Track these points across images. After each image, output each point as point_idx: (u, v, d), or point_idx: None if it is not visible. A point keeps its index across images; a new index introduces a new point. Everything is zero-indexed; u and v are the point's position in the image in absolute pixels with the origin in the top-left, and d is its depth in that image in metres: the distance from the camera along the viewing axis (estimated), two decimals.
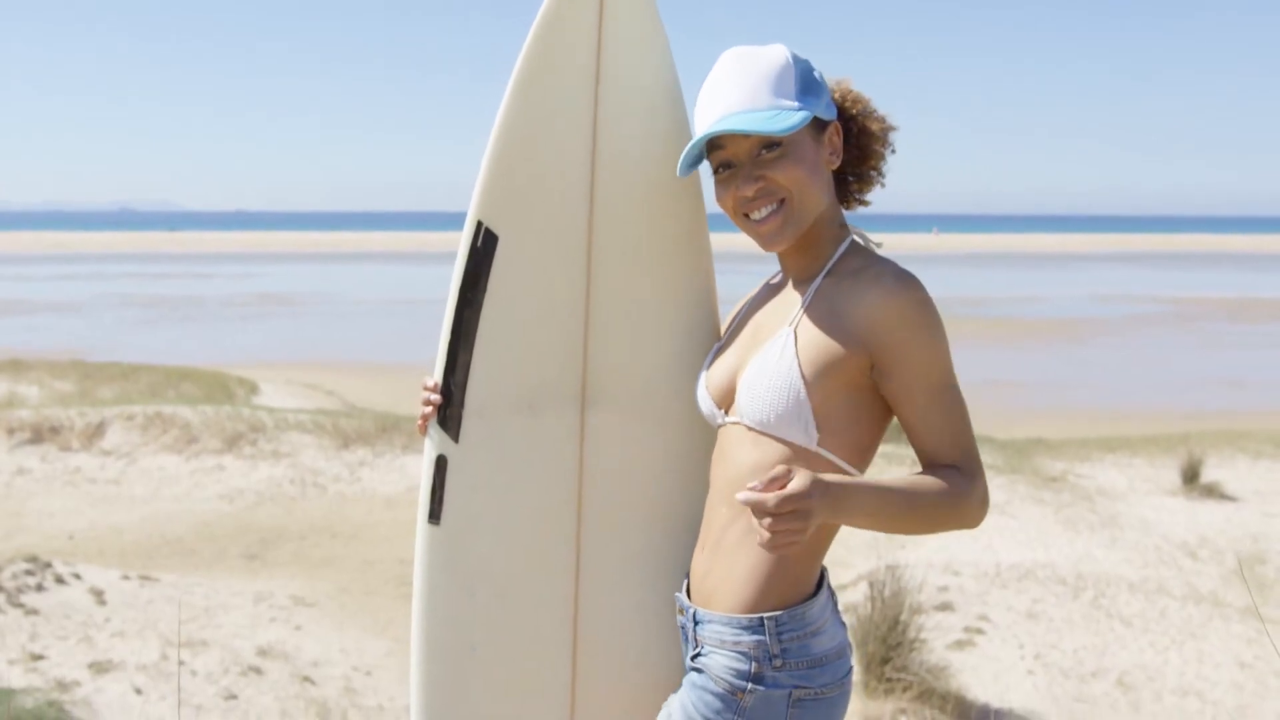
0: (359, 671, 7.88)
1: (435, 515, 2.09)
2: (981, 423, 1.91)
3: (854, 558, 9.69)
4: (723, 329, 2.14)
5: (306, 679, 7.64)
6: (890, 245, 1.94)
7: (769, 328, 1.93)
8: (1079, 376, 22.97)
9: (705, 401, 2.00)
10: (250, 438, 14.20)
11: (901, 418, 1.83)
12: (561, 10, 2.02)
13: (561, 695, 2.14)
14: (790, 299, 1.93)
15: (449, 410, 2.08)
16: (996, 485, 11.46)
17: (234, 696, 7.26)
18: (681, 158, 1.92)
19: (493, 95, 2.09)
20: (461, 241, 2.06)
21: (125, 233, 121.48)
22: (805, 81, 1.88)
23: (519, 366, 2.09)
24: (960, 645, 8.02)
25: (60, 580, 8.77)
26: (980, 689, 7.47)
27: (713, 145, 1.90)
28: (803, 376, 1.82)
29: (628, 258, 2.10)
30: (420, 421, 2.10)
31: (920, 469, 1.83)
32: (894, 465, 11.89)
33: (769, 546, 1.66)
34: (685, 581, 2.00)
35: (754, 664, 1.83)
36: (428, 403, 2.09)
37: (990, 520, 10.39)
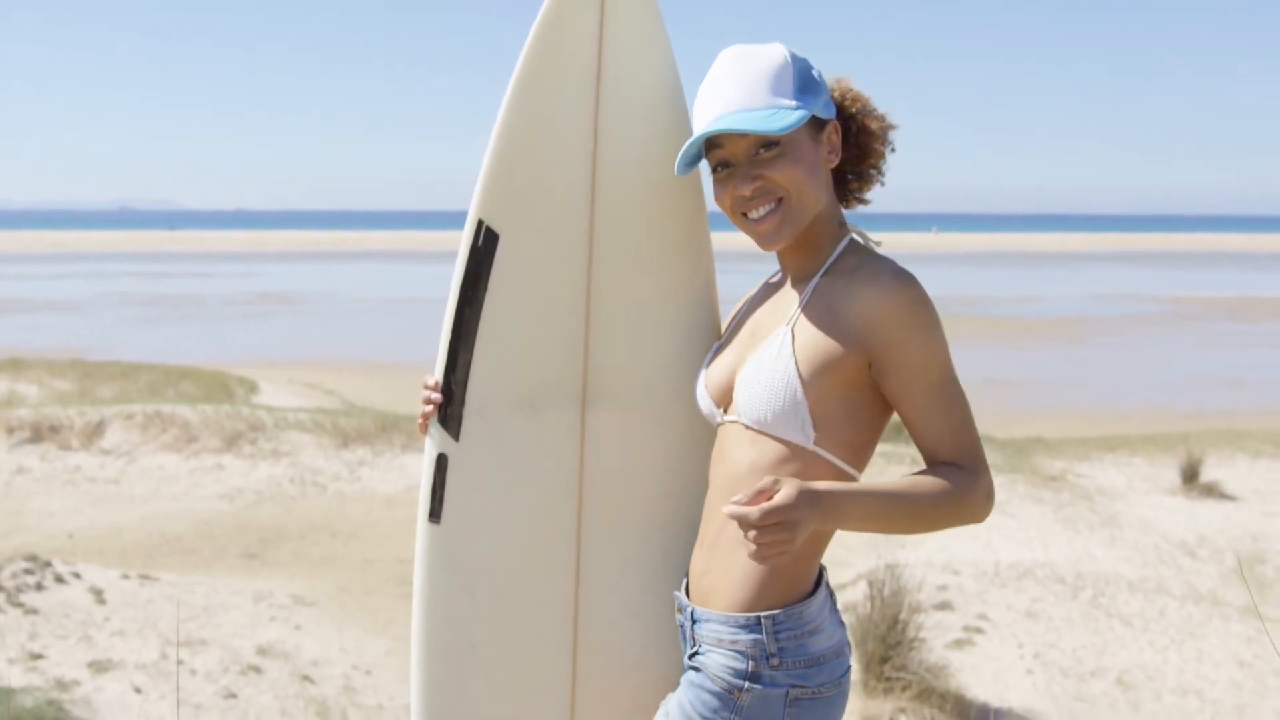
0: (358, 670, 7.88)
1: (435, 514, 2.09)
2: (981, 422, 1.92)
3: (853, 557, 9.69)
4: (723, 328, 2.14)
5: (306, 678, 7.65)
6: (889, 244, 1.94)
7: (767, 327, 1.93)
8: (1078, 376, 22.98)
9: (704, 400, 2.00)
10: (250, 437, 14.20)
11: (902, 416, 1.83)
12: (563, 9, 2.02)
13: (561, 694, 2.14)
14: (788, 298, 1.93)
15: (450, 409, 2.08)
16: (996, 484, 11.41)
17: (233, 695, 7.26)
18: (679, 157, 1.92)
19: (493, 94, 2.09)
20: (462, 240, 2.06)
21: (125, 231, 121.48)
22: (803, 80, 1.88)
23: (520, 365, 2.09)
24: (959, 644, 8.02)
25: (60, 579, 8.77)
26: (979, 688, 7.47)
27: (711, 144, 1.90)
28: (799, 375, 1.82)
29: (628, 257, 2.10)
30: (421, 420, 2.10)
31: (923, 466, 1.84)
32: (893, 465, 11.89)
33: (756, 558, 1.68)
34: (684, 580, 2.00)
35: (751, 663, 1.83)
36: (428, 401, 2.09)
37: (989, 519, 10.31)
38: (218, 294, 41.45)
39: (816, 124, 1.89)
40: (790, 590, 1.85)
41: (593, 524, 2.12)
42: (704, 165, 1.98)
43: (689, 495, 2.09)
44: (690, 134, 2.02)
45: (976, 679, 7.57)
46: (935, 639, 7.79)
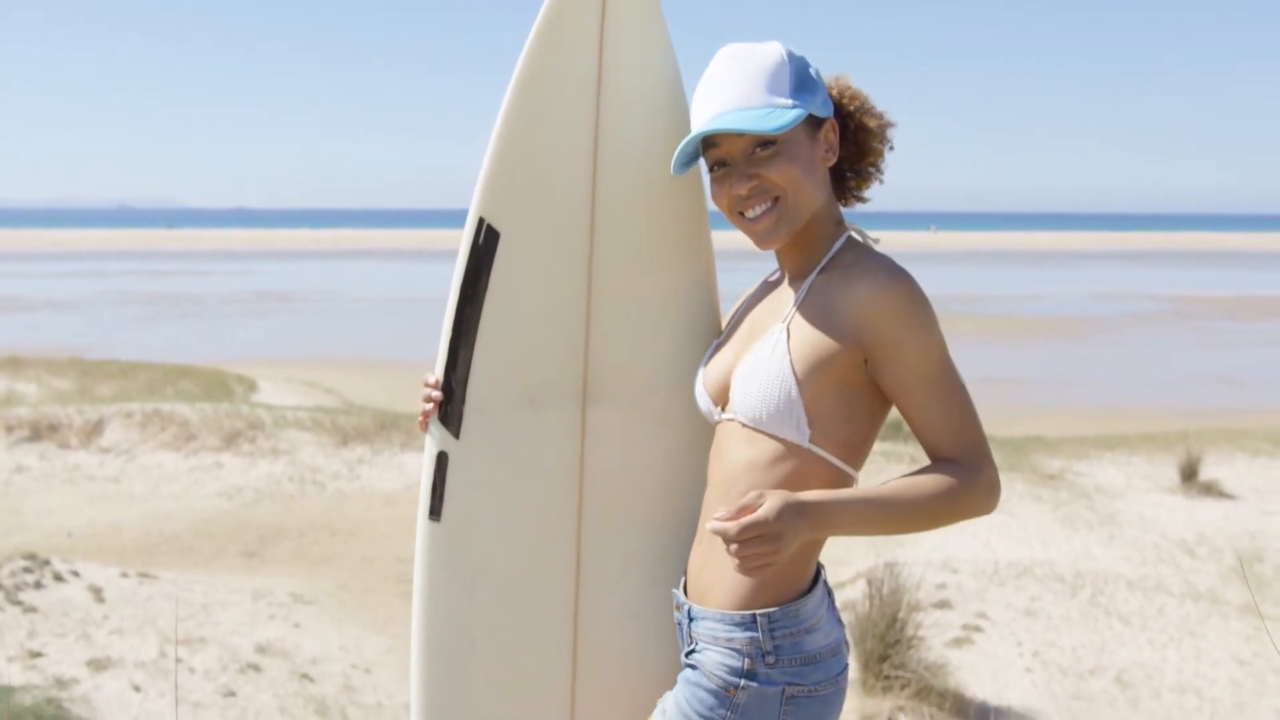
0: (358, 669, 7.88)
1: (436, 512, 2.09)
2: (980, 420, 1.92)
3: (852, 555, 9.69)
4: (723, 326, 2.14)
5: (305, 676, 7.65)
6: (888, 243, 1.94)
7: (763, 324, 1.94)
8: (1077, 374, 22.99)
9: (702, 398, 2.00)
10: (249, 435, 14.20)
11: (902, 413, 1.84)
12: (564, 8, 2.02)
13: (561, 692, 2.14)
14: (785, 296, 1.94)
15: (450, 407, 2.08)
16: None
17: (232, 694, 7.26)
18: (675, 155, 1.93)
19: (494, 92, 2.10)
20: (463, 238, 2.06)
21: (124, 230, 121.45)
22: (800, 79, 1.88)
23: (520, 363, 2.09)
24: (958, 643, 8.03)
25: (59, 578, 8.77)
26: (978, 686, 7.48)
27: (708, 143, 1.91)
28: (794, 373, 1.82)
29: (629, 255, 2.10)
30: (421, 418, 2.11)
31: (928, 462, 1.84)
32: (892, 463, 11.90)
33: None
34: (683, 578, 2.01)
35: (747, 660, 1.83)
36: (429, 399, 2.09)
37: (988, 518, 10.39)
38: (217, 292, 41.44)
39: (814, 122, 1.89)
40: (786, 588, 1.85)
41: (593, 522, 2.13)
42: (704, 164, 1.98)
43: (689, 493, 2.09)
44: (690, 133, 2.02)
45: (975, 677, 7.58)
46: (934, 637, 7.79)
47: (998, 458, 1.89)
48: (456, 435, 2.08)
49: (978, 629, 8.27)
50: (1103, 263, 64.47)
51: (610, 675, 2.14)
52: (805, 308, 1.87)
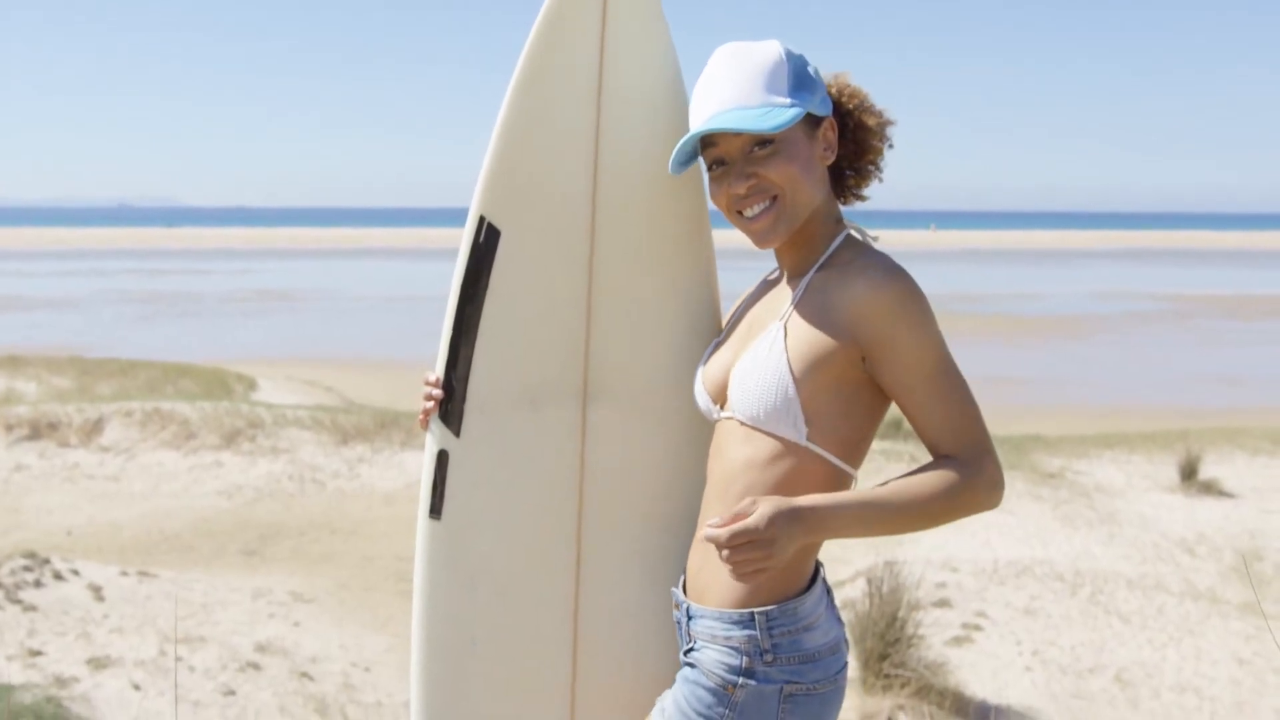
0: (357, 667, 7.89)
1: (436, 510, 2.09)
2: None
3: (852, 554, 9.69)
4: (723, 325, 2.14)
5: (305, 675, 7.65)
6: (888, 241, 1.94)
7: (761, 323, 1.94)
8: (1077, 373, 22.99)
9: (701, 397, 2.00)
10: (249, 434, 14.20)
11: (902, 409, 1.84)
12: (565, 7, 2.02)
13: (562, 691, 2.14)
14: (783, 294, 1.94)
15: (450, 405, 2.08)
16: None
17: (232, 692, 7.26)
18: (673, 154, 1.93)
19: (495, 91, 2.10)
20: (464, 236, 2.06)
21: (124, 229, 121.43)
22: (799, 77, 1.87)
23: (521, 362, 2.09)
24: (958, 642, 8.03)
25: (58, 576, 8.77)
26: (978, 685, 7.48)
27: (706, 142, 1.91)
28: (791, 371, 1.82)
29: (630, 254, 2.10)
30: (421, 416, 2.11)
31: (929, 459, 1.84)
32: (892, 462, 11.90)
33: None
34: (682, 577, 2.01)
35: (745, 659, 1.83)
36: (429, 397, 2.09)
37: (988, 517, 10.39)
38: (217, 291, 41.44)
39: (812, 121, 1.89)
40: (784, 586, 1.85)
41: (593, 521, 2.13)
42: (703, 163, 1.98)
43: (689, 492, 2.09)
44: (689, 132, 2.02)
45: (975, 676, 7.58)
46: (934, 636, 7.79)
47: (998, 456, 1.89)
48: (457, 434, 2.08)
49: (977, 628, 8.28)
50: (1103, 262, 64.48)
51: (610, 674, 2.14)
52: (803, 306, 1.87)
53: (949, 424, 1.81)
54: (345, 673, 7.78)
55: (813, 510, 1.75)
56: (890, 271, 1.82)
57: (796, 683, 1.83)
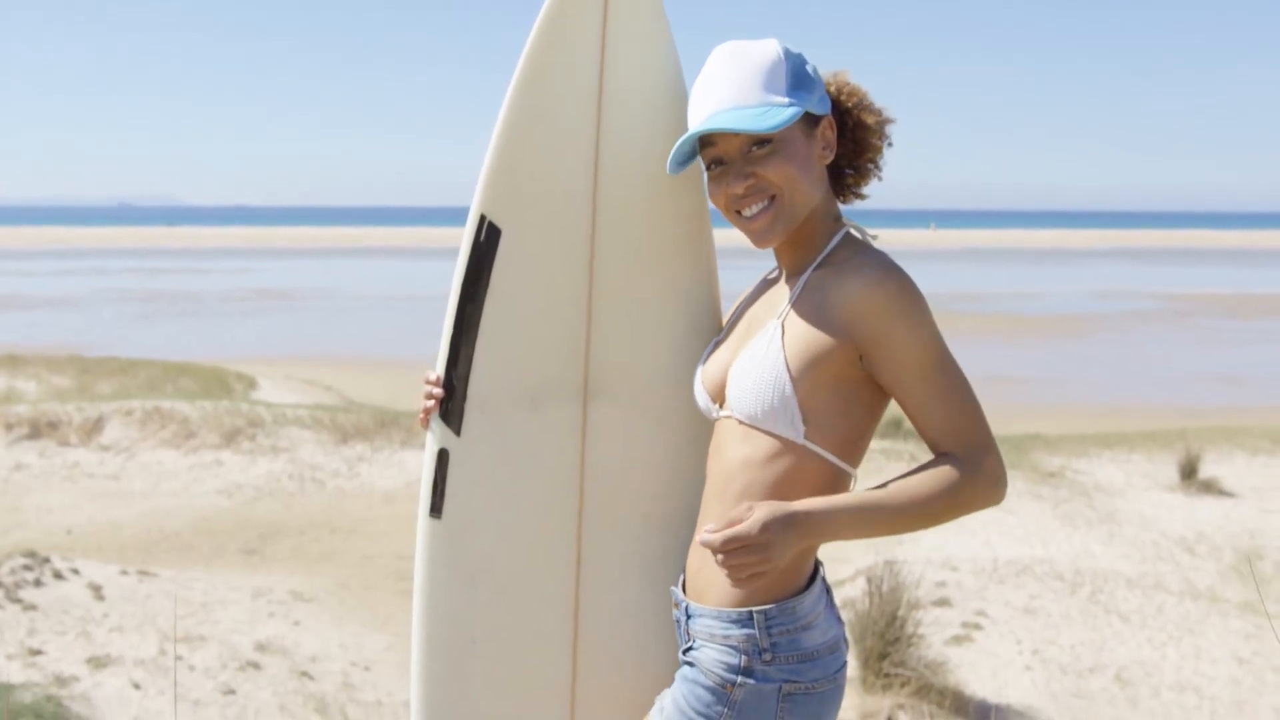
0: (357, 667, 7.89)
1: (437, 509, 2.09)
2: None
3: (852, 553, 9.69)
4: (723, 325, 2.15)
5: (305, 674, 7.65)
6: (887, 240, 1.94)
7: (760, 321, 1.94)
8: (1077, 372, 22.99)
9: (701, 396, 2.00)
10: (249, 433, 14.20)
11: (901, 407, 1.84)
12: (566, 6, 2.02)
13: (561, 690, 2.14)
14: (782, 293, 1.94)
15: (451, 404, 2.08)
16: None
17: (232, 691, 7.26)
18: (671, 154, 1.92)
19: (496, 90, 2.09)
20: (464, 235, 2.07)
21: (124, 228, 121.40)
22: (797, 76, 1.87)
23: (521, 360, 2.09)
24: (958, 641, 8.03)
25: (58, 575, 8.77)
26: (978, 684, 7.48)
27: (704, 142, 1.91)
28: (788, 370, 1.82)
29: (630, 253, 2.10)
30: (422, 415, 2.11)
31: (929, 458, 1.84)
32: (892, 461, 11.91)
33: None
34: (681, 576, 2.01)
35: (744, 658, 1.83)
36: (430, 396, 2.09)
37: (988, 515, 10.39)
38: (217, 290, 41.44)
39: (811, 120, 1.88)
40: (783, 586, 1.85)
41: (594, 520, 2.13)
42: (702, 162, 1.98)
43: (690, 491, 2.09)
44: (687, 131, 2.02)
45: (975, 675, 7.58)
46: (934, 635, 7.79)
47: None
48: (458, 432, 2.08)
49: (977, 627, 8.28)
50: (1103, 261, 64.48)
51: (610, 673, 2.15)
52: (800, 304, 1.87)
53: (948, 421, 1.80)
54: (345, 672, 7.78)
55: (808, 515, 1.75)
56: (885, 268, 1.82)
57: (795, 681, 1.83)
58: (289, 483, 13.03)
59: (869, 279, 1.81)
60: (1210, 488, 12.35)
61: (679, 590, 1.98)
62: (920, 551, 9.80)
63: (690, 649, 1.91)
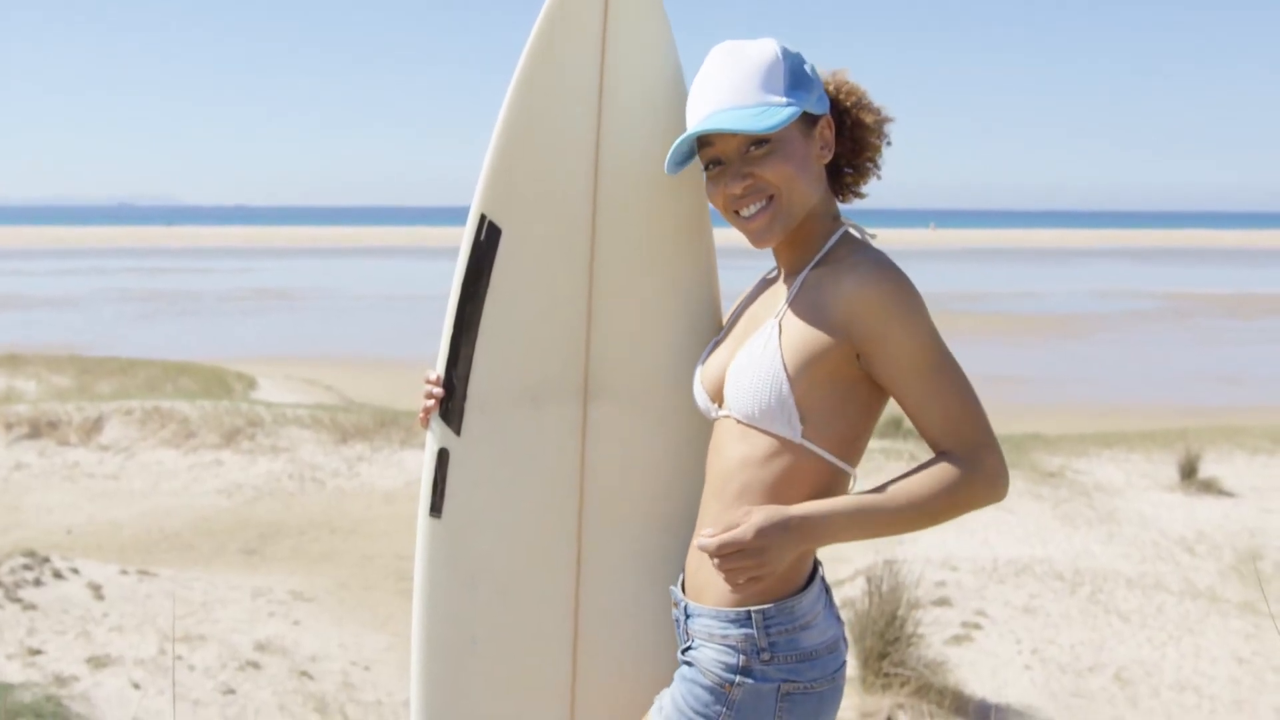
0: (357, 666, 7.89)
1: (437, 508, 2.09)
2: None
3: (851, 553, 9.69)
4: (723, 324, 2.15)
5: (305, 674, 7.65)
6: (887, 240, 1.94)
7: (758, 321, 1.94)
8: (1077, 372, 22.99)
9: (700, 395, 2.01)
10: (249, 433, 14.20)
11: (901, 407, 1.84)
12: (566, 6, 2.02)
13: (561, 689, 2.14)
14: (780, 292, 1.94)
15: (451, 403, 2.08)
16: None
17: (232, 691, 7.26)
18: (669, 154, 1.92)
19: (496, 89, 2.09)
20: (465, 234, 2.06)
21: (124, 227, 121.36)
22: (795, 76, 1.87)
23: (521, 360, 2.09)
24: (958, 640, 8.03)
25: (58, 575, 8.77)
26: (978, 684, 7.48)
27: (702, 142, 1.90)
28: (785, 369, 1.82)
29: (630, 252, 2.10)
30: (422, 414, 2.11)
31: (929, 456, 1.84)
32: (892, 460, 11.91)
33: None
34: (681, 576, 2.01)
35: (742, 657, 1.84)
36: (430, 395, 2.09)
37: (987, 515, 10.39)
38: (216, 290, 41.44)
39: (809, 119, 1.88)
40: (782, 585, 1.85)
41: (594, 519, 2.13)
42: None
43: (690, 491, 2.09)
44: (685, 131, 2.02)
45: (975, 675, 7.58)
46: (933, 635, 7.79)
47: None
48: (458, 432, 2.08)
49: (977, 626, 8.28)
50: (1103, 260, 64.47)
51: (610, 672, 2.15)
52: (797, 303, 1.87)
53: (946, 419, 1.80)
54: (345, 671, 7.78)
55: (805, 519, 1.76)
56: (881, 267, 1.82)
57: (794, 681, 1.83)
58: (289, 482, 13.03)
59: (864, 277, 1.81)
60: (1210, 487, 12.35)
61: (678, 590, 1.98)
62: (920, 551, 9.79)
63: (689, 649, 1.91)
